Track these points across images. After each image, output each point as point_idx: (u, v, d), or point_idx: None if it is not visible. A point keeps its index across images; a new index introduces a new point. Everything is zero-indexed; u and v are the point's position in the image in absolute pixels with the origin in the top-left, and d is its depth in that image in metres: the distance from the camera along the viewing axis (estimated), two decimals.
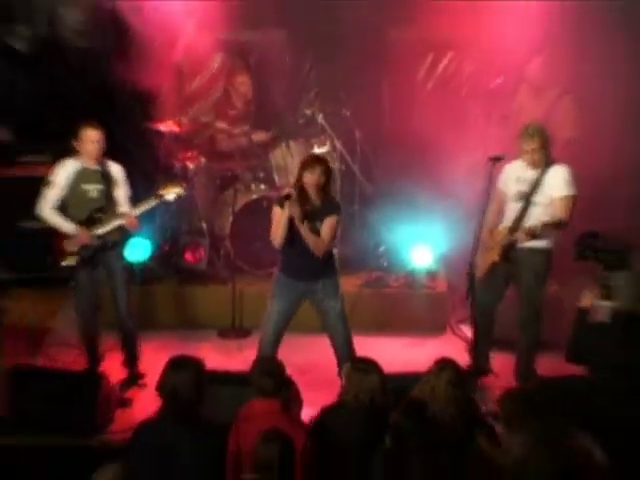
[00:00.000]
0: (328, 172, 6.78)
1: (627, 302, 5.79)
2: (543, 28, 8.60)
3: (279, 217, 6.71)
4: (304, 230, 6.63)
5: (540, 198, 6.96)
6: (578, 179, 6.96)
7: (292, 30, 9.61)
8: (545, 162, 6.98)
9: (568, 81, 8.53)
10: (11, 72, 9.57)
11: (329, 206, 6.79)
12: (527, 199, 6.98)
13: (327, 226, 6.71)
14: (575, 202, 6.92)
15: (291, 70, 9.77)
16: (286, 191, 6.70)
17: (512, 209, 7.04)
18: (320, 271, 6.87)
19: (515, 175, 7.06)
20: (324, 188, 6.76)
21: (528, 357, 7.18)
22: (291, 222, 6.65)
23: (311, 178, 6.67)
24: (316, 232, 6.70)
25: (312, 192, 6.68)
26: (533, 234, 6.86)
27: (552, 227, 6.85)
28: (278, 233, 6.73)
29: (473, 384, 6.84)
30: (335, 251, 7.66)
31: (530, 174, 7.00)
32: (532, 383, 6.62)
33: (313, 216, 6.71)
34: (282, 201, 6.69)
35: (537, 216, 6.94)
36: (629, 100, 8.47)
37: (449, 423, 5.22)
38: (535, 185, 6.97)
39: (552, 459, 4.49)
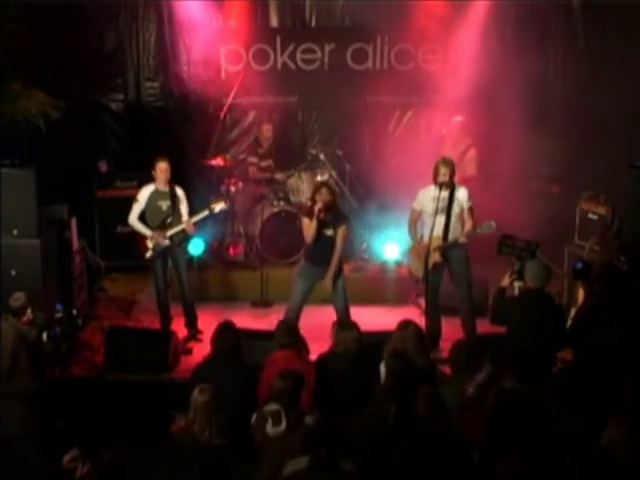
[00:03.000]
0: (332, 192, 6.83)
1: (532, 282, 5.79)
2: (467, 94, 8.61)
3: (308, 225, 6.76)
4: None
5: (455, 209, 6.85)
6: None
7: (302, 96, 9.56)
8: (452, 184, 6.85)
9: (474, 137, 8.46)
10: (109, 124, 9.58)
11: (338, 217, 6.85)
12: (448, 212, 6.82)
13: (340, 236, 6.79)
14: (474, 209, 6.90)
15: (301, 123, 9.76)
16: (315, 207, 6.72)
17: (436, 222, 6.71)
18: (329, 259, 6.85)
19: (431, 196, 6.79)
20: (332, 203, 6.78)
21: (472, 320, 6.98)
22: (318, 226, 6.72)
23: (320, 197, 6.71)
24: (328, 233, 6.74)
25: (322, 207, 6.68)
26: (471, 236, 6.79)
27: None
28: (309, 234, 6.77)
29: (432, 345, 6.82)
30: None
31: (442, 194, 6.77)
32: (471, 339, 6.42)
33: (327, 223, 6.77)
34: (308, 214, 6.78)
35: (454, 222, 6.85)
36: (515, 152, 8.41)
37: (416, 361, 5.29)
38: (450, 200, 6.82)
39: None
